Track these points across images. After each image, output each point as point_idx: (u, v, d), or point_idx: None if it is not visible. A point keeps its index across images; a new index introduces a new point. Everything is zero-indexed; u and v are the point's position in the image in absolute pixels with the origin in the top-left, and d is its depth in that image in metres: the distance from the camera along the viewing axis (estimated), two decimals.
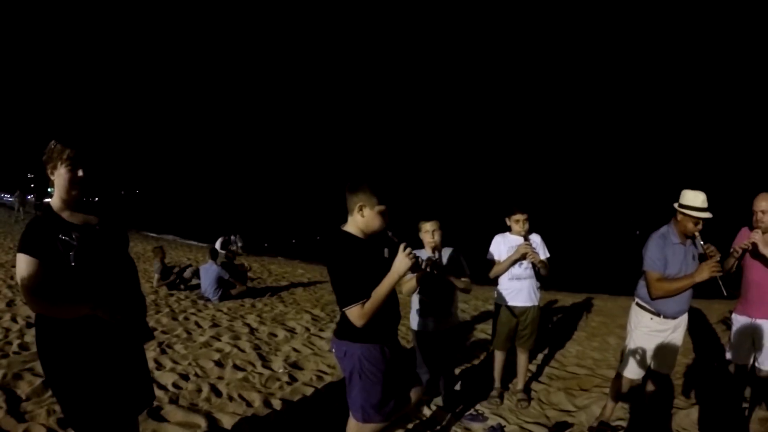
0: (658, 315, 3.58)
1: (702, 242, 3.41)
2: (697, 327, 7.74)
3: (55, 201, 2.29)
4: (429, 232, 3.89)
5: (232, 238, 15.69)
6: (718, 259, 3.33)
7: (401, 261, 2.49)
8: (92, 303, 2.16)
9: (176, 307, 7.69)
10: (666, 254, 3.51)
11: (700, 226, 3.43)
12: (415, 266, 2.61)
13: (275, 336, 6.24)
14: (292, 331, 6.55)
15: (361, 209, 2.59)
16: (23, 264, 2.11)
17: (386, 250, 2.78)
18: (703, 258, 3.42)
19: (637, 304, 3.73)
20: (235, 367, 4.90)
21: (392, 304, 2.71)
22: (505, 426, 3.95)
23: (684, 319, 3.65)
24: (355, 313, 2.46)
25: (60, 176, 2.25)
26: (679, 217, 3.52)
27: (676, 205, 3.54)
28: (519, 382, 4.52)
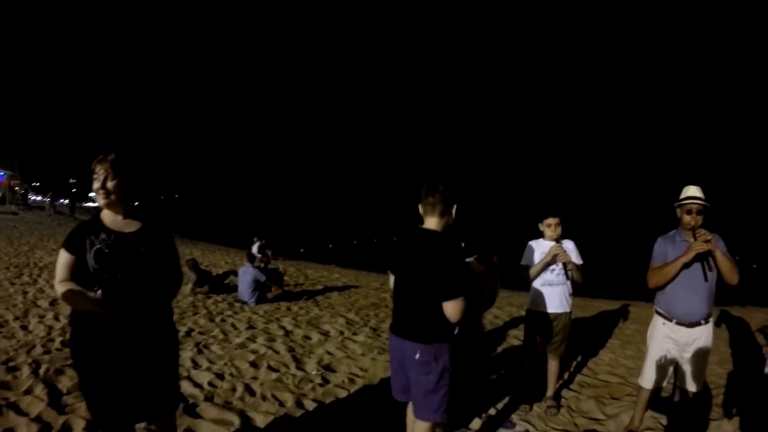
0: (670, 320, 3.54)
1: (697, 229, 3.37)
2: (737, 335, 7.54)
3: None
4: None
5: (255, 239, 15.89)
6: (708, 239, 3.26)
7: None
8: (95, 299, 2.28)
9: (213, 309, 7.83)
10: (667, 250, 3.54)
11: (694, 216, 3.42)
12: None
13: (309, 339, 6.30)
14: (326, 334, 6.61)
15: (451, 210, 2.75)
16: (60, 258, 2.35)
17: None
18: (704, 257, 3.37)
19: (656, 311, 3.71)
20: (270, 368, 4.97)
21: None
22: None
23: (703, 331, 3.51)
24: (458, 306, 2.53)
25: (93, 186, 2.44)
26: (678, 213, 3.55)
27: (675, 204, 3.59)
28: (549, 389, 4.47)
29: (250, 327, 6.70)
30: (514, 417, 4.16)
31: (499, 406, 4.36)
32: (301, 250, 24.05)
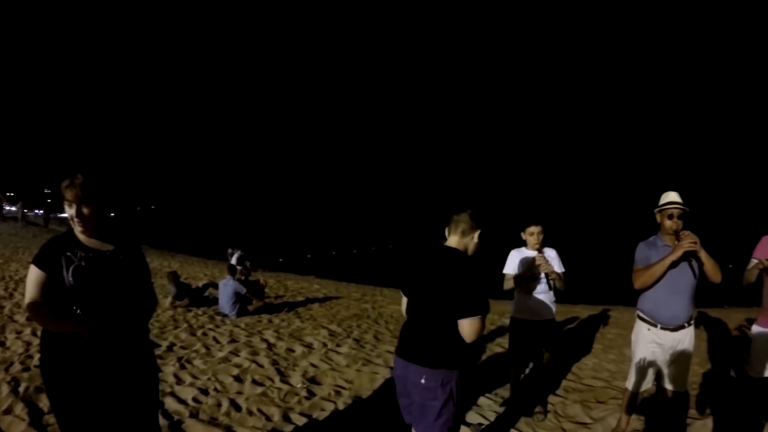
0: (654, 325, 3.58)
1: (680, 232, 3.43)
2: (715, 336, 7.67)
3: None
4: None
5: (230, 250, 15.76)
6: (695, 240, 3.31)
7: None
8: (75, 320, 2.20)
9: (194, 322, 7.73)
10: (649, 254, 3.59)
11: (675, 220, 3.50)
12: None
13: (293, 351, 6.24)
14: (309, 346, 6.55)
15: (473, 235, 2.69)
16: (30, 275, 2.25)
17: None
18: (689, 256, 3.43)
19: (638, 316, 3.76)
20: (254, 382, 4.90)
21: None
22: None
23: (686, 334, 3.58)
24: (476, 325, 2.44)
25: (66, 211, 2.36)
26: (658, 218, 3.63)
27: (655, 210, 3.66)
28: (535, 395, 4.50)
29: (233, 340, 6.62)
30: (502, 424, 4.17)
31: (488, 413, 4.36)
32: (280, 260, 23.91)
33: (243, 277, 10.93)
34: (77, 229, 2.35)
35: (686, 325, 3.54)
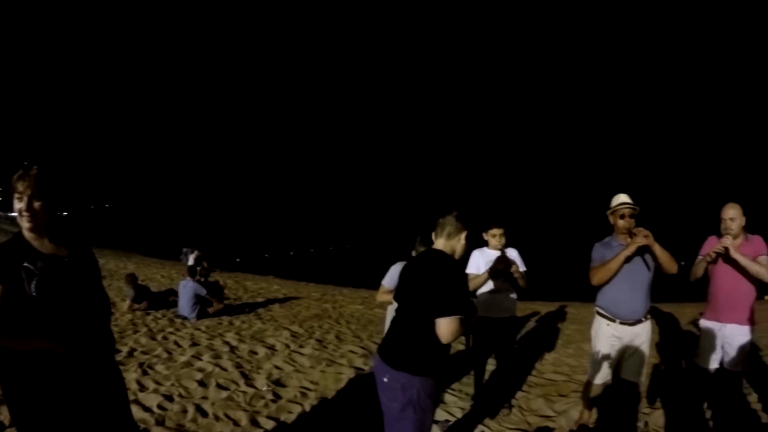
0: (614, 320, 3.70)
1: (633, 230, 3.57)
2: (668, 330, 7.97)
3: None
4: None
5: (184, 250, 15.50)
6: (647, 234, 3.45)
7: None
8: (49, 337, 2.08)
9: (154, 326, 7.57)
10: (604, 253, 3.72)
11: (627, 220, 3.65)
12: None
13: (256, 354, 6.19)
14: (272, 348, 6.52)
15: (460, 237, 2.73)
16: None
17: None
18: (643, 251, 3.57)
19: (597, 312, 3.87)
20: (219, 386, 4.84)
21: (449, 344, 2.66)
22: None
23: (644, 328, 3.73)
24: (453, 324, 2.43)
25: (15, 206, 2.20)
26: (611, 220, 3.78)
27: (607, 212, 3.81)
28: (499, 391, 4.62)
29: (194, 344, 6.52)
30: (472, 424, 4.24)
31: (453, 410, 4.44)
32: (237, 260, 23.60)
33: (202, 279, 10.77)
34: (25, 226, 2.18)
35: (644, 319, 3.69)
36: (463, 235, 2.73)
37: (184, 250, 19.80)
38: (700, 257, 3.98)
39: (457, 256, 2.73)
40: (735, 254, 3.70)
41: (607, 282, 3.68)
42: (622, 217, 3.67)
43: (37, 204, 2.17)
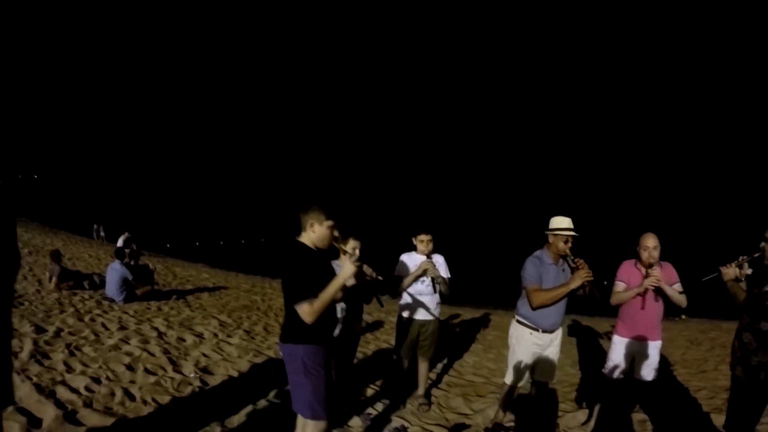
0: (537, 329, 3.93)
1: (572, 257, 3.80)
2: (586, 340, 8.43)
3: None
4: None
5: (95, 226, 14.98)
6: (588, 269, 3.69)
7: (348, 267, 2.78)
8: None
9: (81, 307, 7.29)
10: (541, 272, 3.90)
11: (569, 244, 3.85)
12: (359, 274, 2.91)
13: (184, 341, 6.11)
14: (200, 336, 6.44)
15: (312, 225, 2.87)
16: None
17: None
18: (574, 272, 3.79)
19: (518, 321, 4.07)
20: (147, 371, 4.75)
21: (331, 310, 2.94)
22: (408, 428, 4.17)
23: (558, 333, 4.04)
24: (305, 309, 2.68)
25: None
26: (551, 239, 3.94)
27: (547, 231, 3.98)
28: (420, 388, 4.76)
29: (122, 327, 6.35)
30: (394, 418, 4.37)
31: (376, 404, 4.57)
32: (168, 245, 22.89)
33: (132, 262, 10.45)
34: None
35: (560, 327, 4.02)
36: (326, 225, 2.88)
37: (95, 226, 19.10)
38: (621, 283, 4.15)
39: (320, 245, 2.92)
40: (665, 287, 3.92)
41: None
42: (566, 241, 3.85)
43: None
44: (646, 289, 3.97)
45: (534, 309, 3.89)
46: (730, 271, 3.47)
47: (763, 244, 3.24)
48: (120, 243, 14.01)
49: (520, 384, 4.11)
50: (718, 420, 4.30)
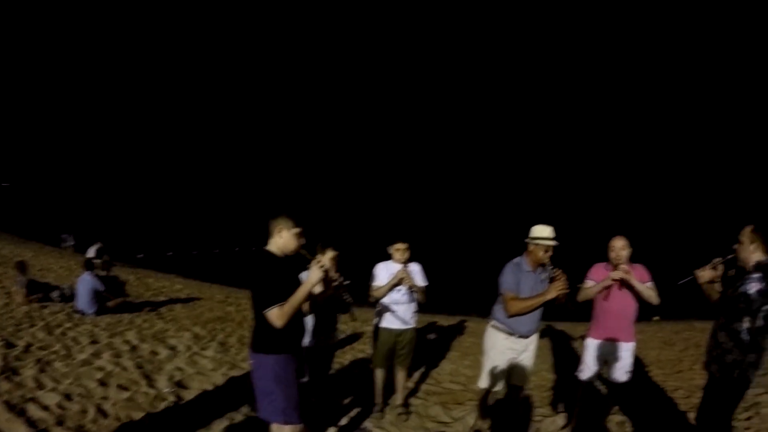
0: (512, 334, 3.98)
1: (551, 267, 3.85)
2: (560, 344, 8.54)
3: None
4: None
5: (64, 236, 14.70)
6: (565, 280, 3.76)
7: (315, 273, 2.84)
8: None
9: (51, 320, 7.13)
10: (519, 279, 3.96)
11: (549, 253, 3.90)
12: (326, 279, 3.01)
13: (157, 354, 6.01)
14: (173, 349, 6.35)
15: (279, 232, 2.93)
16: None
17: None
18: (552, 281, 3.85)
19: (493, 326, 4.12)
20: (120, 386, 4.67)
21: (300, 319, 3.01)
22: None
23: (533, 338, 4.09)
24: (275, 314, 2.73)
25: None
26: (531, 248, 3.98)
27: (527, 239, 4.02)
28: (398, 398, 4.77)
29: (94, 341, 6.22)
30: (368, 424, 4.40)
31: (353, 414, 4.58)
32: (139, 256, 22.43)
33: (104, 272, 10.24)
34: None
35: (535, 332, 4.07)
36: (293, 232, 2.95)
37: (63, 236, 18.73)
38: (590, 281, 4.25)
39: (286, 251, 2.97)
40: (633, 281, 4.01)
41: None
42: (546, 251, 3.90)
43: None
44: (614, 282, 4.07)
45: (509, 316, 3.94)
46: (704, 274, 3.56)
47: (736, 246, 3.34)
48: (91, 253, 13.68)
49: (498, 389, 4.15)
50: (695, 418, 4.43)
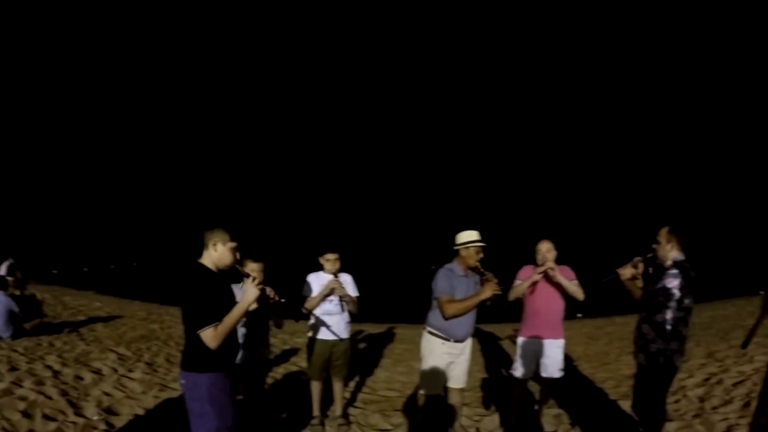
0: (449, 339, 4.12)
1: (482, 269, 4.06)
2: (490, 345, 8.87)
3: None
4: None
5: None
6: (497, 282, 3.96)
7: (251, 291, 2.82)
8: None
9: None
10: (453, 284, 4.12)
11: (481, 255, 4.11)
12: (262, 296, 2.95)
13: (82, 379, 5.79)
14: (99, 372, 6.14)
15: (215, 245, 2.86)
16: None
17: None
18: (484, 283, 4.05)
19: (429, 332, 4.23)
20: (46, 417, 4.50)
21: (233, 335, 2.93)
22: None
23: (469, 342, 4.28)
24: (210, 335, 2.66)
25: None
26: (463, 253, 4.15)
27: (457, 245, 4.19)
28: (337, 409, 4.83)
29: (13, 368, 5.92)
30: None
31: (291, 428, 4.64)
32: (54, 272, 21.28)
33: (18, 292, 9.69)
34: None
35: (471, 336, 4.26)
36: (228, 246, 2.89)
37: None
38: (518, 281, 4.49)
39: (221, 265, 2.90)
40: (558, 276, 4.29)
41: None
42: (478, 252, 4.09)
43: None
44: (541, 276, 4.32)
45: (446, 319, 4.06)
46: (626, 272, 3.88)
47: (655, 245, 3.70)
48: (2, 271, 12.86)
49: (436, 393, 4.27)
50: (626, 405, 4.86)
